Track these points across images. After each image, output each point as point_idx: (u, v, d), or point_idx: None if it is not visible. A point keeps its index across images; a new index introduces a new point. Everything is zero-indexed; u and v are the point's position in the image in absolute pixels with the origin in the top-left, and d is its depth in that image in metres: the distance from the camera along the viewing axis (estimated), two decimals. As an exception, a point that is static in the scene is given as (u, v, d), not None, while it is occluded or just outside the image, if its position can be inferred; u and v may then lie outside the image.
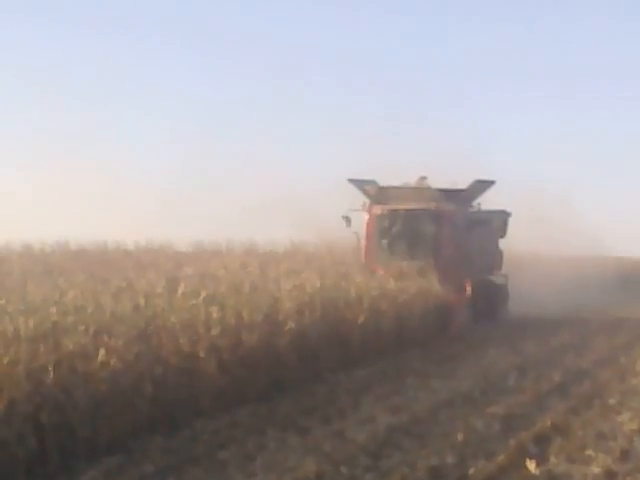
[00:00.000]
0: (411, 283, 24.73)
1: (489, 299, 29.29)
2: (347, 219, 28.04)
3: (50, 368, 11.31)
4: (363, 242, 28.32)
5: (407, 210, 27.77)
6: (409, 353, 22.11)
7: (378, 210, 28.16)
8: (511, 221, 30.76)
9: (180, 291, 16.48)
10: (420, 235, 28.02)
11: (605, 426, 13.94)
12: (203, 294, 16.37)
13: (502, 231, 30.37)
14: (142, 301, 15.12)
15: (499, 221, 30.15)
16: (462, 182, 29.05)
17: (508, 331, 27.11)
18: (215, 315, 15.39)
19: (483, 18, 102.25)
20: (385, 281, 23.98)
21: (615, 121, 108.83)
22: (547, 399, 16.36)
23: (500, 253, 31.64)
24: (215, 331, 15.06)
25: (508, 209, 30.57)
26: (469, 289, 26.42)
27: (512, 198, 32.88)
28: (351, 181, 29.06)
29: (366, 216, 28.33)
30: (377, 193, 28.57)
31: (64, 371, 11.57)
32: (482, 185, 29.07)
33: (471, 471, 11.16)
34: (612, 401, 16.11)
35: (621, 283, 49.68)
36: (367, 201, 28.63)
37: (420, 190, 28.65)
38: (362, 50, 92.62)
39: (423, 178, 29.05)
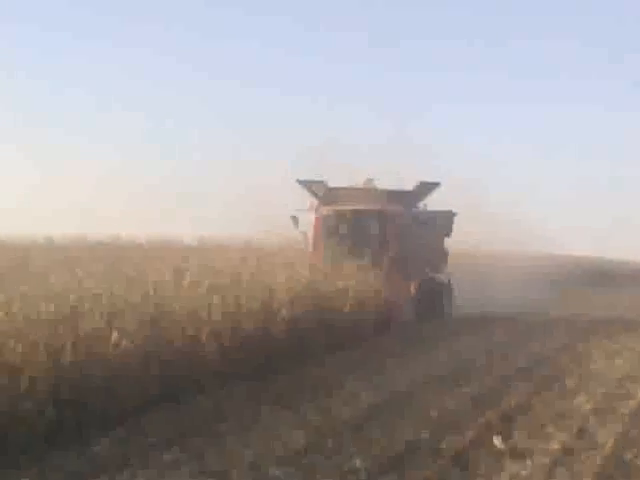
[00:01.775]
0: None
1: (434, 297, 27.20)
2: (295, 219, 26.39)
3: (68, 348, 11.34)
4: (311, 242, 26.38)
5: (353, 211, 26.11)
6: (389, 338, 22.12)
7: (325, 210, 26.44)
8: (457, 221, 28.85)
9: (185, 281, 16.46)
10: (366, 235, 26.22)
11: (564, 406, 13.95)
12: (206, 284, 16.37)
13: (448, 230, 28.48)
14: (151, 290, 15.08)
15: (444, 221, 28.13)
16: (409, 184, 27.84)
17: (477, 321, 27.01)
18: (216, 303, 15.41)
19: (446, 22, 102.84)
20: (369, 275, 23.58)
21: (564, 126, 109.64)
22: (512, 381, 16.37)
23: (445, 252, 29.62)
24: (216, 317, 15.11)
25: (454, 209, 28.73)
26: (413, 288, 24.88)
27: (459, 199, 31.29)
28: (300, 182, 27.34)
29: (314, 216, 26.61)
30: (325, 194, 26.82)
31: (81, 351, 11.60)
32: (427, 186, 27.50)
33: (443, 445, 11.18)
34: (570, 384, 16.12)
35: (568, 279, 48.49)
36: (314, 201, 27.04)
37: (367, 191, 27.04)
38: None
39: (370, 180, 27.54)
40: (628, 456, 10.87)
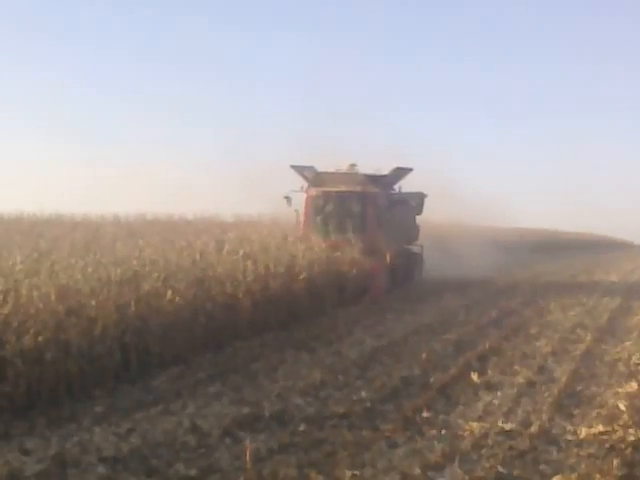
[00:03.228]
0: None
1: (407, 265, 26.41)
2: (288, 199, 24.46)
3: (132, 304, 11.41)
4: (302, 218, 24.52)
5: (337, 192, 24.25)
6: (389, 296, 22.10)
7: (313, 192, 24.46)
8: (427, 201, 27.38)
9: (225, 250, 16.49)
10: (349, 213, 24.30)
11: (528, 349, 13.94)
12: (241, 252, 16.40)
13: (419, 209, 27.12)
14: (198, 257, 15.15)
15: (416, 201, 26.84)
16: (386, 169, 25.56)
17: (455, 283, 26.87)
18: (250, 267, 15.44)
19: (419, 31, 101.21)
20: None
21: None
22: (486, 329, 16.37)
23: (417, 227, 28.35)
24: (250, 278, 15.12)
25: (425, 191, 27.28)
26: (388, 258, 23.16)
27: (428, 182, 28.91)
28: (293, 167, 25.24)
29: (304, 196, 24.69)
30: (314, 177, 24.82)
31: (142, 306, 11.66)
32: (401, 171, 25.58)
33: (431, 380, 11.19)
34: (533, 331, 16.10)
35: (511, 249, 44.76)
36: (305, 184, 25.03)
37: (350, 175, 24.94)
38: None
39: (353, 165, 25.52)
40: (579, 388, 10.88)
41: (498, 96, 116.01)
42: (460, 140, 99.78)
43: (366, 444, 8.11)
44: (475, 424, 8.84)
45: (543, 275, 33.20)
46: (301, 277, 17.25)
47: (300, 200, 24.55)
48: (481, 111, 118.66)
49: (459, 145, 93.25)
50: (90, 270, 11.84)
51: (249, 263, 15.64)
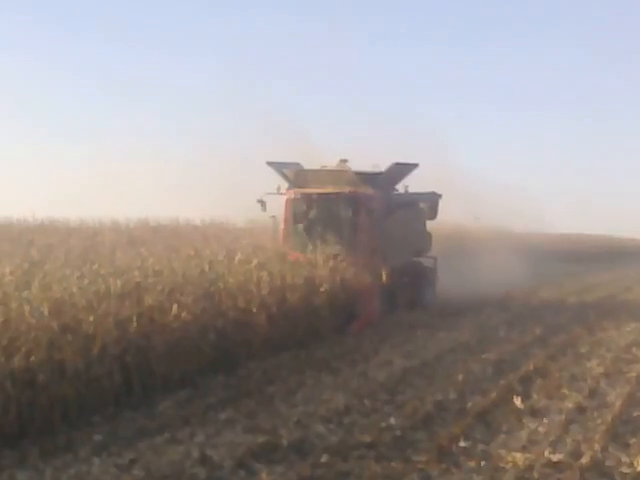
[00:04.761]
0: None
1: (414, 283, 23.35)
2: (262, 203, 22.11)
3: (134, 319, 11.44)
4: (281, 226, 22.26)
5: (320, 194, 21.84)
6: (419, 310, 22.02)
7: (292, 194, 22.12)
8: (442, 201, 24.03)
9: (237, 259, 16.51)
10: (335, 220, 21.76)
11: (577, 370, 13.91)
12: (255, 261, 16.42)
13: (432, 213, 23.81)
14: (207, 267, 15.16)
15: (428, 203, 23.73)
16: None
17: (498, 294, 26.81)
18: (265, 278, 15.47)
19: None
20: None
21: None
22: (530, 348, 16.32)
23: (428, 235, 24.95)
24: (265, 291, 15.14)
25: (438, 191, 24.04)
26: (385, 276, 20.39)
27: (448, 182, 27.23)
28: (270, 164, 22.80)
29: (283, 200, 22.34)
30: (295, 176, 22.46)
31: (145, 322, 11.70)
32: (402, 168, 22.76)
33: (469, 405, 11.19)
34: (583, 350, 16.06)
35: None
36: (283, 184, 22.61)
37: (337, 173, 22.26)
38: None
39: (343, 161, 22.68)
40: (635, 414, 10.85)
41: (522, 82, 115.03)
42: (475, 130, 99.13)
43: (396, 477, 8.11)
44: (518, 455, 8.83)
45: (593, 287, 33.02)
46: (322, 289, 17.24)
47: (279, 204, 22.57)
48: (496, 99, 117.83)
49: (474, 135, 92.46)
50: (87, 282, 11.89)
51: (264, 274, 15.66)
